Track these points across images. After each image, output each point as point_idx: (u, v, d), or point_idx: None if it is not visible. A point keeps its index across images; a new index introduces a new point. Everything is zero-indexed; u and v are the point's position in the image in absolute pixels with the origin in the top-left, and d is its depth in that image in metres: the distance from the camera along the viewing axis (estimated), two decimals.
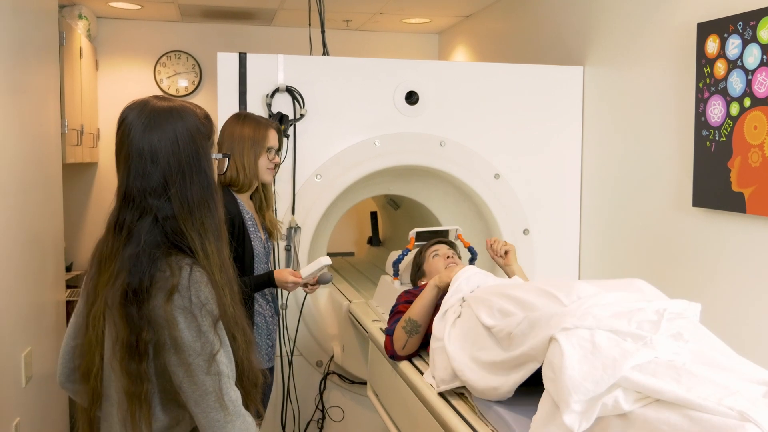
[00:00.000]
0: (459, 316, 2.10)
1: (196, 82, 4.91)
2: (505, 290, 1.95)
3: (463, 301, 2.14)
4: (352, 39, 5.09)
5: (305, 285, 2.54)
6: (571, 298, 1.73)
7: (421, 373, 2.17)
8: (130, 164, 1.41)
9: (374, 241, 4.70)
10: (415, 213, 3.89)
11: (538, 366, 1.65)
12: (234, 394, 1.43)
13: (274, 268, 2.89)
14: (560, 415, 1.44)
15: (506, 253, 2.65)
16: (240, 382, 1.49)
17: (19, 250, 2.81)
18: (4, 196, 2.76)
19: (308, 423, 3.20)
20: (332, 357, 3.18)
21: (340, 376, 3.21)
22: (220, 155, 1.54)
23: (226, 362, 1.42)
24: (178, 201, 1.41)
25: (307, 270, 2.47)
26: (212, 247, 1.43)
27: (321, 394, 3.19)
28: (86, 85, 4.33)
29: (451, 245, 2.75)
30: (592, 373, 1.44)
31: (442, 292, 2.28)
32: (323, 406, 3.21)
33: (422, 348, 2.33)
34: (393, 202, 4.31)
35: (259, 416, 1.56)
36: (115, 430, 1.47)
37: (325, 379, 3.19)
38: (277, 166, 2.57)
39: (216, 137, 1.54)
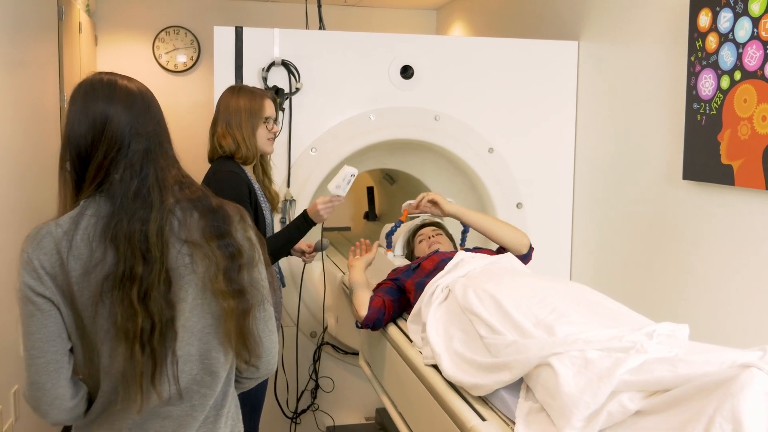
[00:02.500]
0: (445, 299, 2.13)
1: (194, 58, 4.92)
2: (499, 296, 1.91)
3: (449, 291, 2.15)
4: (349, 15, 5.09)
5: (302, 253, 2.61)
6: (563, 332, 1.68)
7: (411, 341, 2.21)
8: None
9: (371, 215, 4.73)
10: (410, 187, 3.91)
11: (518, 377, 1.65)
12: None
13: None
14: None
15: (434, 203, 2.57)
16: None
17: (17, 224, 2.84)
18: (1, 170, 2.79)
19: (302, 392, 3.25)
20: (326, 328, 3.23)
21: (333, 346, 3.25)
22: None
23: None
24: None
25: (334, 183, 2.47)
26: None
27: (315, 364, 3.24)
28: (85, 60, 4.34)
29: (436, 224, 2.80)
30: (589, 386, 1.42)
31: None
32: (317, 376, 3.25)
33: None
34: (389, 177, 4.33)
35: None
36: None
37: (319, 349, 3.24)
38: (275, 135, 2.59)
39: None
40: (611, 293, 3.06)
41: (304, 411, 3.27)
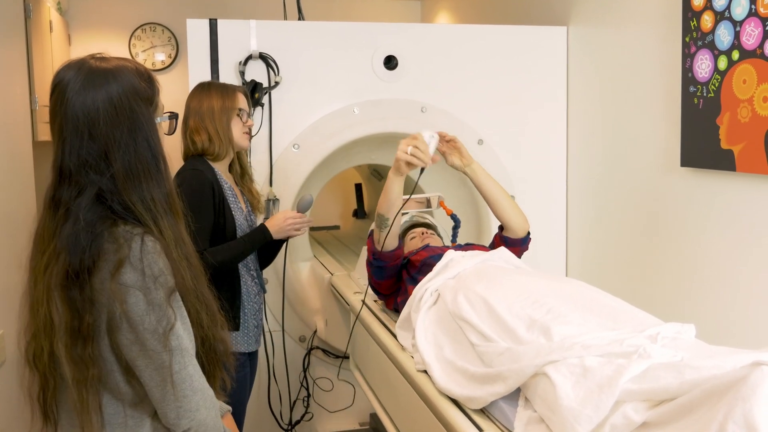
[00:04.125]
0: (434, 303, 2.01)
1: (173, 55, 4.78)
2: (490, 299, 1.78)
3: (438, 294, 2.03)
4: (330, 5, 4.95)
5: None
6: (560, 334, 1.56)
7: (404, 349, 2.09)
8: (65, 134, 1.30)
9: (359, 213, 4.61)
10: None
11: (513, 389, 1.54)
12: (192, 369, 1.34)
13: None
14: None
15: (458, 150, 2.37)
16: (205, 357, 1.41)
17: None
18: None
19: (294, 402, 3.13)
20: (315, 332, 3.11)
21: (324, 350, 3.13)
22: (165, 117, 1.43)
23: (184, 336, 1.33)
24: (122, 174, 1.30)
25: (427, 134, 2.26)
26: (165, 222, 1.33)
27: (305, 370, 3.12)
28: (58, 60, 4.19)
29: (428, 226, 2.69)
30: (589, 398, 1.30)
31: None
32: (308, 384, 3.13)
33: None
34: (377, 173, 4.21)
35: (225, 390, 1.48)
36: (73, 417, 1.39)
37: (308, 354, 3.12)
38: (250, 130, 2.47)
39: (160, 98, 1.42)
40: (609, 287, 2.95)
41: (298, 422, 3.14)
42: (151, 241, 1.30)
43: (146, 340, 1.29)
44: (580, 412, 1.31)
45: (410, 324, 2.03)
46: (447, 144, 2.39)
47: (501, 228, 2.44)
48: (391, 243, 2.29)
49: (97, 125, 1.29)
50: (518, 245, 2.36)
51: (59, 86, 1.34)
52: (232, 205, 2.34)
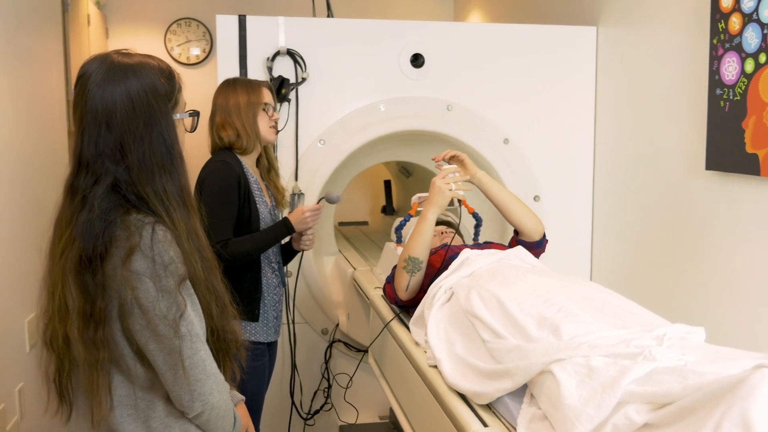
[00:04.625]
0: (449, 300, 2.03)
1: (207, 50, 4.85)
2: (502, 297, 1.79)
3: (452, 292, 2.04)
4: (364, 3, 4.98)
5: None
6: (569, 332, 1.57)
7: (417, 344, 2.11)
8: (84, 125, 1.36)
9: (388, 209, 4.63)
10: (426, 181, 3.78)
11: (520, 385, 1.55)
12: (204, 354, 1.39)
13: None
14: None
15: (460, 162, 2.37)
16: (214, 347, 1.45)
17: (22, 217, 2.80)
18: (4, 164, 2.74)
19: (315, 393, 3.17)
20: (337, 325, 3.15)
21: (345, 344, 3.17)
22: (186, 114, 1.47)
23: (195, 322, 1.37)
24: (136, 165, 1.35)
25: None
26: (177, 213, 1.37)
27: (327, 362, 3.16)
28: (95, 53, 4.29)
29: (449, 224, 2.70)
30: (592, 397, 1.32)
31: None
32: (329, 375, 3.17)
33: None
34: (405, 170, 4.23)
35: (234, 380, 1.52)
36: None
37: (330, 347, 3.15)
38: (276, 124, 2.52)
39: (181, 95, 1.47)
40: (632, 288, 2.95)
41: (317, 411, 3.19)
42: (162, 230, 1.34)
43: (157, 326, 1.33)
44: (582, 411, 1.32)
45: (423, 321, 2.05)
46: (452, 160, 2.41)
47: (516, 232, 2.44)
48: (416, 288, 2.25)
49: (114, 117, 1.34)
50: (534, 248, 2.36)
51: (82, 78, 1.39)
52: (257, 199, 2.39)
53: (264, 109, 2.44)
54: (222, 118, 2.40)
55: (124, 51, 1.44)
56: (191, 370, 1.36)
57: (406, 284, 2.21)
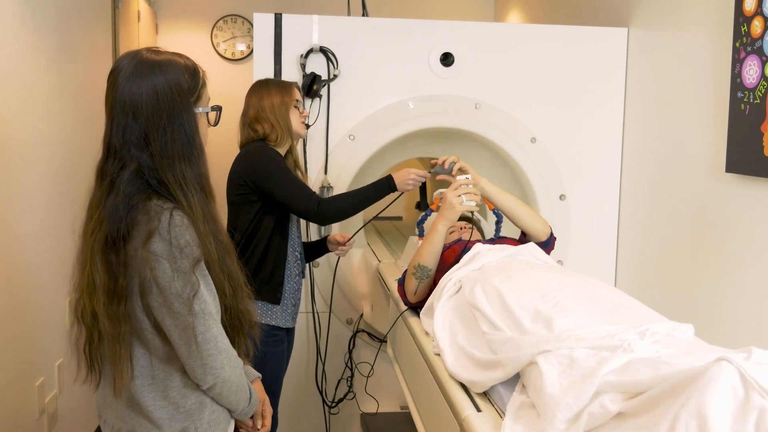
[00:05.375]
0: (457, 292, 2.09)
1: (251, 46, 4.98)
2: (503, 291, 1.86)
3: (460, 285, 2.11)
4: (404, 3, 5.05)
5: (337, 245, 2.66)
6: (560, 326, 1.63)
7: (427, 334, 2.18)
8: (114, 114, 1.47)
9: (422, 205, 4.68)
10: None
11: (511, 375, 1.62)
12: (216, 331, 1.50)
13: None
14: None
15: (460, 170, 2.41)
16: (229, 324, 1.56)
17: (70, 207, 2.95)
18: (52, 160, 2.91)
19: (338, 381, 3.27)
20: (362, 315, 3.24)
21: (369, 334, 3.26)
22: (208, 108, 1.58)
23: (209, 301, 1.48)
24: (159, 153, 1.46)
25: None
26: (195, 198, 1.48)
27: (350, 351, 3.25)
28: None
29: (468, 219, 2.76)
30: (571, 387, 1.38)
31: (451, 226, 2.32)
32: (353, 364, 3.26)
33: None
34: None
35: (248, 355, 1.63)
36: None
37: (354, 337, 3.25)
38: (306, 120, 2.65)
39: (205, 90, 1.57)
40: (656, 289, 2.97)
41: (341, 400, 3.29)
42: (179, 216, 1.46)
43: (172, 304, 1.44)
44: (561, 400, 1.38)
45: (432, 311, 2.12)
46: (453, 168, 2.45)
47: (523, 233, 2.50)
48: (424, 293, 2.34)
49: (140, 109, 1.46)
50: (543, 248, 2.40)
51: (114, 72, 1.52)
52: None
53: (296, 106, 2.58)
54: (256, 112, 2.53)
55: (154, 48, 1.56)
56: (204, 345, 1.47)
57: (414, 289, 2.31)
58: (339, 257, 3.01)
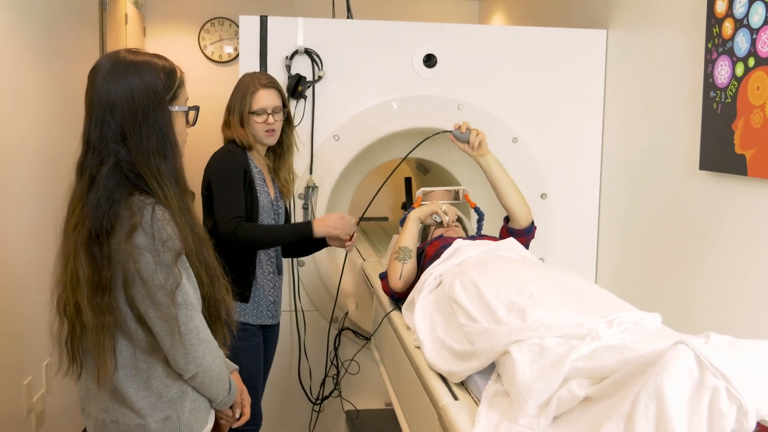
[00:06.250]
0: (437, 286, 2.15)
1: (239, 49, 5.03)
2: (480, 284, 1.91)
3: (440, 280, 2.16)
4: (390, 5, 5.11)
5: (342, 242, 2.57)
6: (533, 317, 1.68)
7: (409, 328, 2.23)
8: (92, 112, 1.53)
9: (408, 206, 4.75)
10: (443, 177, 3.92)
11: (486, 365, 1.67)
12: (198, 321, 1.55)
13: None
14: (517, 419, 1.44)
15: (480, 144, 2.51)
16: (207, 313, 1.61)
17: (55, 208, 2.98)
18: (39, 160, 2.94)
19: (324, 379, 3.31)
20: (347, 313, 3.28)
21: (354, 332, 3.30)
22: (185, 108, 1.63)
23: (191, 292, 1.53)
24: (135, 148, 1.51)
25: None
26: (171, 192, 1.53)
27: (336, 350, 3.30)
28: None
29: (457, 219, 2.82)
30: (542, 374, 1.44)
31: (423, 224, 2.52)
32: (338, 362, 3.31)
33: None
34: (422, 168, 4.35)
35: (225, 344, 1.68)
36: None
37: (339, 334, 3.29)
38: (277, 126, 2.53)
39: (182, 90, 1.62)
40: (635, 285, 3.03)
41: (326, 397, 3.33)
42: (161, 211, 1.51)
43: (155, 295, 1.49)
44: (532, 387, 1.44)
45: (413, 305, 2.17)
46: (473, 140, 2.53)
47: (506, 220, 2.56)
48: (410, 276, 2.42)
49: (116, 107, 1.51)
50: (524, 235, 2.47)
51: (93, 71, 1.57)
52: (258, 188, 2.52)
53: (256, 113, 2.49)
54: (225, 116, 2.55)
55: (134, 50, 1.61)
56: (186, 335, 1.52)
57: (399, 273, 2.36)
58: (347, 252, 2.92)
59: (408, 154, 2.89)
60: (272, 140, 2.57)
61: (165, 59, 1.62)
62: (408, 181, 4.75)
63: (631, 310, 1.72)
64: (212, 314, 1.63)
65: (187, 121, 1.65)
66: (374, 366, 3.30)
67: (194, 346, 1.53)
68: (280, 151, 2.66)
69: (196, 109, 1.66)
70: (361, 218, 2.85)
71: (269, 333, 2.67)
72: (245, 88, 2.53)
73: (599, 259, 3.39)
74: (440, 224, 2.67)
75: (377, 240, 4.07)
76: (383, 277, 2.48)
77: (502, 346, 1.60)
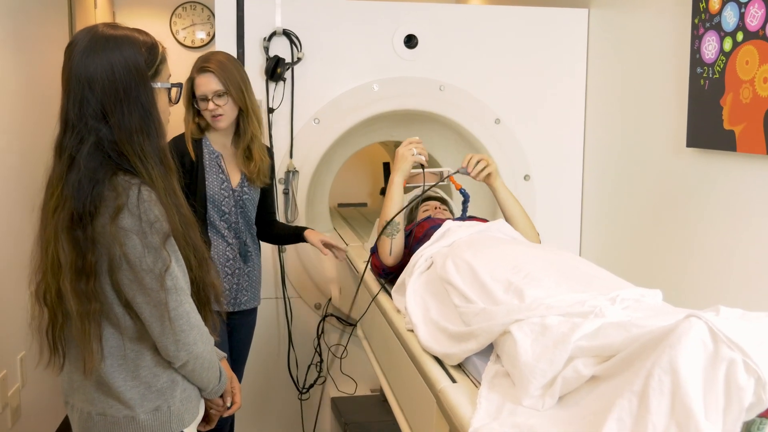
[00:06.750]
0: (428, 268, 2.10)
1: (211, 33, 4.93)
2: (475, 264, 1.86)
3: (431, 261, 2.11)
4: None
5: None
6: (531, 296, 1.64)
7: (399, 311, 2.19)
8: (70, 89, 1.45)
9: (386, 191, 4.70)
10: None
11: (484, 346, 1.63)
12: (188, 306, 1.48)
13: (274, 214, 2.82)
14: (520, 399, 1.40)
15: (488, 175, 2.44)
16: (195, 297, 1.54)
17: (24, 197, 2.89)
18: (8, 152, 2.83)
19: (308, 366, 3.26)
20: (330, 299, 3.23)
21: (338, 318, 3.25)
22: (167, 84, 1.55)
23: (180, 276, 1.47)
24: (116, 126, 1.44)
25: None
26: (155, 171, 1.46)
27: (319, 337, 3.24)
28: None
29: (443, 201, 2.77)
30: (545, 354, 1.39)
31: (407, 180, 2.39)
32: (321, 350, 3.25)
33: None
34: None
35: (215, 329, 1.61)
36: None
37: (323, 321, 3.24)
38: (221, 112, 2.42)
39: (164, 66, 1.55)
40: (621, 264, 3.02)
41: (311, 385, 3.28)
42: (147, 191, 1.43)
43: (143, 279, 1.42)
44: (536, 366, 1.39)
45: (404, 288, 2.13)
46: (479, 164, 2.44)
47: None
48: (400, 251, 2.37)
49: (96, 84, 1.43)
50: None
51: (70, 46, 1.49)
52: (207, 173, 2.46)
53: (200, 99, 2.43)
54: None
55: (112, 24, 1.53)
56: (176, 321, 1.45)
57: (389, 248, 2.31)
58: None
59: (423, 195, 2.70)
60: (222, 125, 2.45)
61: (146, 34, 1.54)
62: (386, 165, 4.69)
63: (628, 287, 1.68)
64: (201, 299, 1.56)
65: (170, 99, 1.58)
66: (359, 353, 3.25)
67: (185, 332, 1.47)
68: (239, 136, 2.54)
69: (179, 86, 1.59)
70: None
71: (239, 320, 2.61)
72: (190, 77, 2.46)
73: (582, 239, 3.38)
74: (421, 167, 2.50)
75: (357, 225, 4.01)
76: (374, 251, 2.42)
77: (501, 326, 1.56)
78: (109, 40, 1.46)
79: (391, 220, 2.36)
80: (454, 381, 1.64)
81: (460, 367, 1.72)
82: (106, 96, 1.44)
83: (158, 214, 1.43)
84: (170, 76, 1.59)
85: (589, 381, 1.35)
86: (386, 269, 2.39)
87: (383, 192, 4.72)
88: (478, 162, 2.44)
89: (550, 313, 1.51)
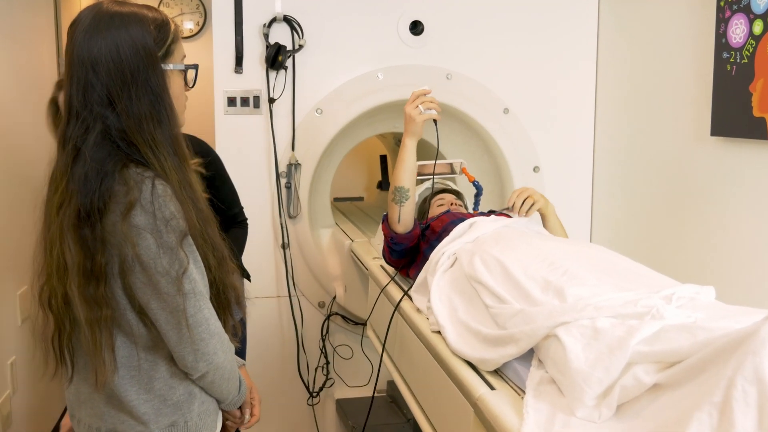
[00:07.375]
0: (452, 265, 1.98)
1: (200, 23, 4.77)
2: (506, 262, 1.74)
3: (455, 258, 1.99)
4: None
5: None
6: (574, 295, 1.52)
7: (419, 311, 2.06)
8: (73, 73, 1.31)
9: (384, 185, 4.57)
10: (423, 154, 3.72)
11: (525, 351, 1.51)
12: (207, 312, 1.35)
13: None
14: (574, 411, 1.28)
15: (530, 207, 2.30)
16: (215, 301, 1.41)
17: (12, 193, 2.74)
18: None
19: (315, 369, 3.13)
20: (334, 298, 3.10)
21: (343, 317, 3.13)
22: (181, 65, 1.41)
23: (198, 279, 1.33)
24: (124, 113, 1.30)
25: None
26: (168, 162, 1.32)
27: (323, 339, 3.11)
28: None
29: (458, 195, 2.65)
30: (600, 360, 1.27)
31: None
32: (326, 352, 3.13)
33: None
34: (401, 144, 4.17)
35: (235, 335, 1.48)
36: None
37: (327, 320, 3.11)
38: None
39: (177, 46, 1.41)
40: (635, 257, 2.90)
41: (321, 388, 3.15)
42: (162, 185, 1.30)
43: (159, 283, 1.29)
44: (590, 374, 1.28)
45: (426, 287, 2.00)
46: (525, 202, 2.32)
47: None
48: (409, 219, 2.23)
49: (100, 66, 1.29)
50: None
51: (73, 25, 1.35)
52: None
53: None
54: None
55: (119, 0, 1.38)
56: (195, 328, 1.32)
57: (397, 216, 2.19)
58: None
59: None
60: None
61: (156, 10, 1.40)
62: (383, 159, 4.56)
63: (676, 285, 1.57)
64: (221, 302, 1.42)
65: (186, 82, 1.44)
66: (365, 353, 3.13)
67: (204, 341, 1.34)
68: None
69: (195, 67, 1.45)
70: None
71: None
72: None
73: (593, 234, 3.27)
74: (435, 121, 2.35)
75: (355, 218, 3.88)
76: (384, 219, 2.30)
77: (545, 329, 1.44)
78: (114, 18, 1.32)
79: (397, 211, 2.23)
80: (492, 388, 1.52)
81: (496, 372, 1.60)
82: (112, 80, 1.30)
83: (174, 211, 1.30)
84: (185, 56, 1.45)
85: (650, 390, 1.24)
86: (395, 238, 2.25)
87: (380, 185, 4.61)
88: (524, 201, 2.30)
89: (600, 315, 1.40)
